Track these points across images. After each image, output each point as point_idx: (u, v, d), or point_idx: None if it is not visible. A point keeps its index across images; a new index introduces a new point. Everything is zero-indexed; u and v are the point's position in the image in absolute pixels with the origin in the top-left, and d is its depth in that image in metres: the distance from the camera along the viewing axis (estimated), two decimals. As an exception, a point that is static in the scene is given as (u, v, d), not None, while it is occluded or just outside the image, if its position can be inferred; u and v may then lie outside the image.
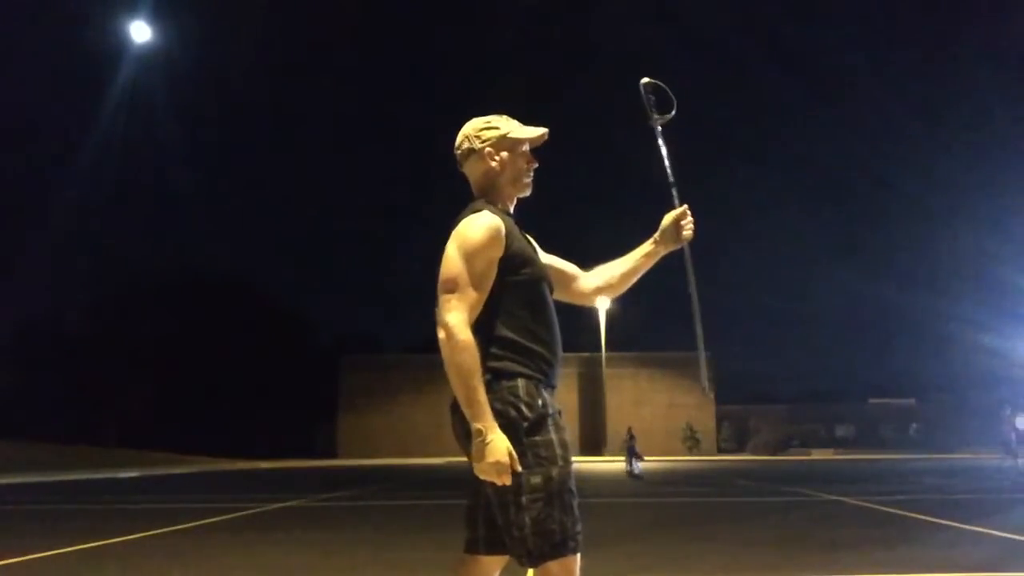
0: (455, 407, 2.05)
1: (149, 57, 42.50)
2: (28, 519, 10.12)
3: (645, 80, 2.49)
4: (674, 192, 2.44)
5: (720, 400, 51.99)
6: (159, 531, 7.83)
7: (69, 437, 37.33)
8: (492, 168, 2.23)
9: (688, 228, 2.39)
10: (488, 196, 2.23)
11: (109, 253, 74.07)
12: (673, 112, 2.50)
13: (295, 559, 6.02)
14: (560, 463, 1.99)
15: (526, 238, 2.25)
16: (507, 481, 1.93)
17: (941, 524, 7.84)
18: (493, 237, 2.06)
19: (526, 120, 2.31)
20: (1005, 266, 51.96)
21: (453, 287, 2.03)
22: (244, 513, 10.05)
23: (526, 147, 2.27)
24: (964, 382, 56.30)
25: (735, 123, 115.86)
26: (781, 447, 49.63)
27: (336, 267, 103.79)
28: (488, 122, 2.26)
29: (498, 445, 1.92)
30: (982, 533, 7.06)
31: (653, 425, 48.34)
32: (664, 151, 2.47)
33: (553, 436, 2.01)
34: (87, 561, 5.94)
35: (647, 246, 2.41)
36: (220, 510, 10.34)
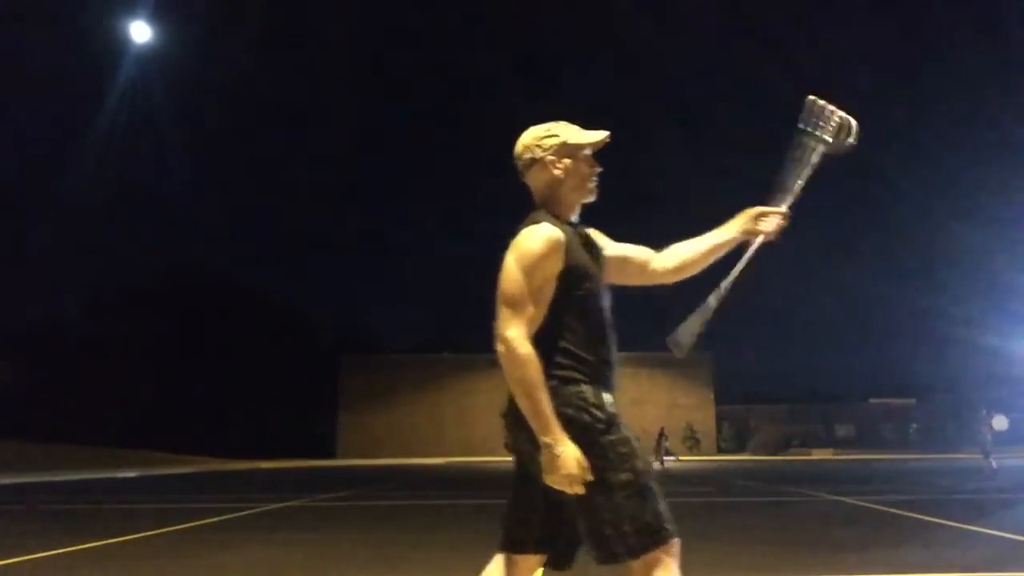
0: (512, 416, 2.07)
1: (149, 57, 42.48)
2: (28, 519, 10.12)
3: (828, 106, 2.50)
4: (790, 197, 2.41)
5: (720, 400, 52.02)
6: (159, 531, 7.83)
7: (68, 437, 37.31)
8: (555, 176, 2.22)
9: (769, 224, 2.36)
10: (550, 205, 2.22)
11: (109, 253, 74.13)
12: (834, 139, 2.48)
13: (295, 559, 6.01)
14: (640, 455, 2.05)
15: (589, 237, 2.26)
16: (579, 491, 1.96)
17: (941, 524, 7.84)
18: (552, 250, 2.06)
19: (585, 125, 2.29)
20: (1005, 266, 52.05)
21: (512, 301, 2.02)
22: (244, 513, 10.04)
23: (588, 152, 2.25)
24: (964, 382, 56.43)
25: (735, 123, 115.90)
26: (781, 447, 49.66)
27: (336, 267, 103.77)
28: (548, 130, 2.25)
29: (569, 457, 1.95)
30: (981, 533, 7.06)
31: (653, 425, 48.31)
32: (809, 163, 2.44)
33: (626, 433, 2.06)
34: (87, 561, 5.94)
35: (725, 230, 2.38)
36: (220, 510, 10.34)
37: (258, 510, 10.45)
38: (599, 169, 2.27)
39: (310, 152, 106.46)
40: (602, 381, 2.10)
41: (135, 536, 7.31)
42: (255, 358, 54.72)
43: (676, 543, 2.03)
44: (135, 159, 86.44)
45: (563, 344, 2.07)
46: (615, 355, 2.18)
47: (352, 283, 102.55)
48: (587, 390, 2.05)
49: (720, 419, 52.66)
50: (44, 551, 6.22)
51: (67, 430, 39.98)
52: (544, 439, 1.95)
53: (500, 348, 2.00)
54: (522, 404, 1.98)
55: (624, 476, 1.99)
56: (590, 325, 2.12)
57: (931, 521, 8.18)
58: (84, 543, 6.80)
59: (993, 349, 48.89)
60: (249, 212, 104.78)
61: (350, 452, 48.14)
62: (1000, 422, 18.57)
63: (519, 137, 2.28)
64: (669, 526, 2.01)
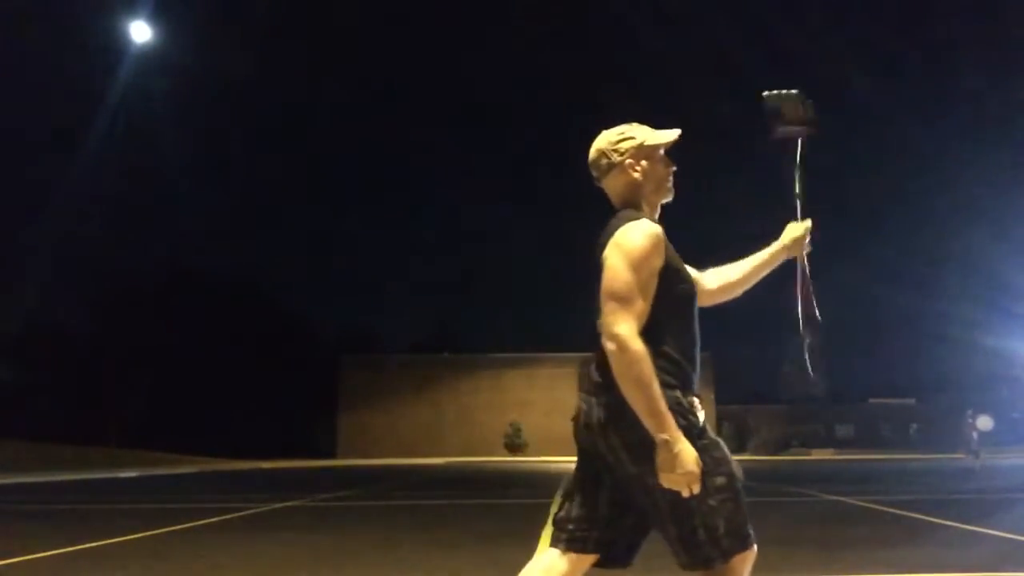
0: (604, 416, 2.04)
1: (149, 57, 42.44)
2: (28, 519, 10.12)
3: (795, 92, 2.50)
4: (798, 204, 2.49)
5: (720, 400, 52.00)
6: (159, 531, 7.83)
7: (68, 437, 37.31)
8: (635, 179, 2.22)
9: (805, 239, 2.47)
10: (632, 208, 2.21)
11: (109, 253, 74.14)
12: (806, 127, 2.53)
13: (294, 559, 6.01)
14: (732, 460, 2.05)
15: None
16: (697, 490, 1.94)
17: (941, 524, 7.83)
18: (656, 245, 2.06)
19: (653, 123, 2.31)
20: (1005, 266, 51.99)
21: (621, 296, 2.00)
22: (244, 513, 10.04)
23: (662, 152, 2.26)
24: (964, 382, 56.42)
25: (735, 123, 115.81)
26: (781, 447, 49.67)
27: (336, 267, 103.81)
28: (622, 133, 2.25)
29: (688, 455, 1.93)
30: (981, 533, 7.06)
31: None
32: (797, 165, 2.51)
33: (716, 437, 2.06)
34: (87, 561, 5.94)
35: (770, 251, 2.44)
36: (220, 510, 10.33)
37: (258, 510, 10.44)
38: (675, 168, 2.28)
39: (310, 152, 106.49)
40: (690, 385, 2.10)
41: (135, 536, 7.31)
42: (255, 358, 54.73)
43: (755, 548, 2.05)
44: (135, 159, 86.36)
45: (661, 345, 2.05)
46: (698, 359, 2.18)
47: (352, 283, 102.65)
48: (680, 394, 2.04)
49: (720, 419, 52.62)
50: (44, 551, 6.21)
51: (67, 430, 39.99)
52: (662, 436, 1.91)
53: (611, 346, 1.97)
54: (636, 402, 1.94)
55: (720, 480, 1.99)
56: (685, 326, 2.13)
57: (931, 521, 8.18)
58: (84, 543, 6.80)
59: (993, 349, 48.91)
60: (249, 212, 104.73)
61: (350, 452, 48.13)
62: (984, 422, 18.83)
63: (593, 141, 2.30)
64: (752, 531, 2.03)
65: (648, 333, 2.02)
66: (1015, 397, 51.26)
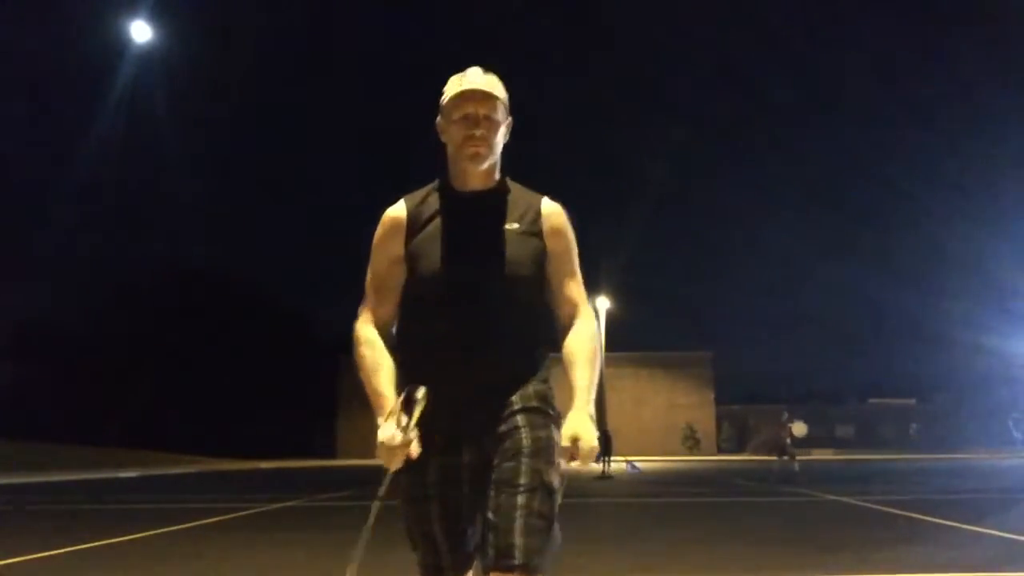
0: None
1: (149, 57, 42.46)
2: (28, 519, 10.12)
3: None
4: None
5: (720, 400, 52.02)
6: (159, 531, 7.83)
7: (69, 437, 37.32)
8: (443, 142, 1.98)
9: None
10: (448, 174, 1.96)
11: (109, 253, 74.17)
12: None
13: (295, 559, 6.02)
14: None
15: None
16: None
17: (941, 524, 7.84)
18: (388, 229, 1.94)
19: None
20: (1005, 266, 52.03)
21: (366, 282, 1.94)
22: (244, 513, 10.04)
23: (457, 112, 1.90)
24: (964, 382, 56.41)
25: (735, 123, 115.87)
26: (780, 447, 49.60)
27: (336, 267, 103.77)
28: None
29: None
30: (982, 533, 7.06)
31: (653, 425, 48.35)
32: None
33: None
34: (87, 561, 5.94)
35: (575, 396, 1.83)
36: (220, 510, 10.33)
37: (258, 510, 10.45)
38: (475, 132, 1.87)
39: (310, 152, 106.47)
40: (424, 376, 1.91)
41: (135, 536, 7.31)
42: (255, 358, 54.72)
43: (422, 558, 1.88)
44: (135, 159, 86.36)
45: (402, 333, 1.97)
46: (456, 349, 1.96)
47: (352, 283, 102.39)
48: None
49: (720, 419, 52.64)
50: (44, 551, 6.21)
51: (67, 430, 39.99)
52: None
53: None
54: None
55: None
56: (427, 315, 1.97)
57: (931, 521, 8.19)
58: (84, 543, 6.80)
59: (993, 349, 48.91)
60: (249, 212, 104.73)
61: (350, 452, 48.11)
62: (800, 428, 19.39)
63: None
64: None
65: (394, 322, 1.92)
66: (1015, 397, 51.27)
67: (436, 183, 1.96)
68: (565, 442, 1.74)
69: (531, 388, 1.84)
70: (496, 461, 1.75)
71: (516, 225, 1.88)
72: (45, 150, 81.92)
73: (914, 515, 8.79)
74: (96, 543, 6.87)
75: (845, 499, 11.25)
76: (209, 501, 12.53)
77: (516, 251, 1.85)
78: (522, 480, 1.71)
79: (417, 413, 1.72)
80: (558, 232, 1.92)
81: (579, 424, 1.74)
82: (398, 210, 1.91)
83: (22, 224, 65.97)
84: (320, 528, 8.52)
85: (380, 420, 1.76)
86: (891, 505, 10.02)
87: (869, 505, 10.25)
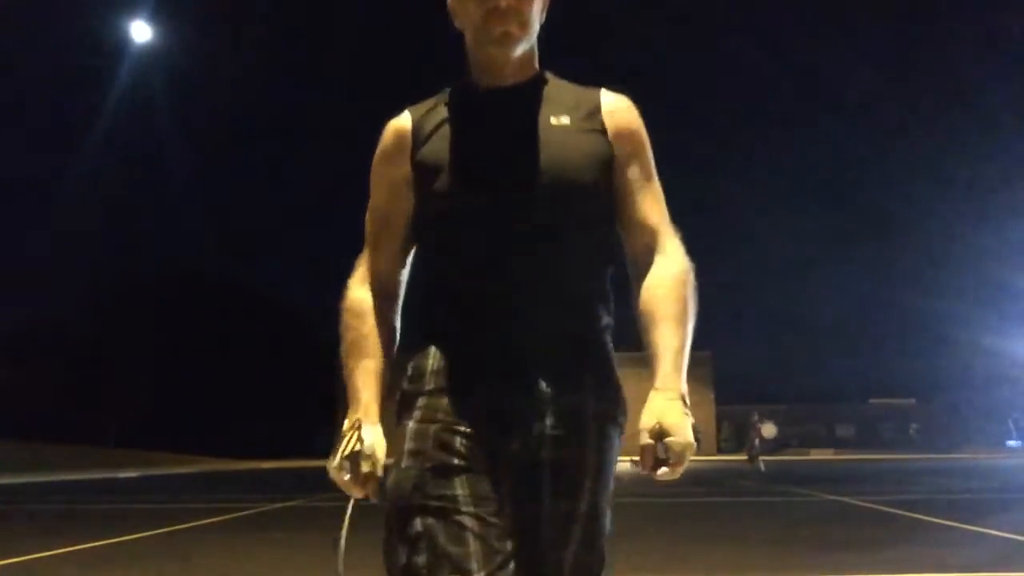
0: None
1: (149, 57, 42.49)
2: (28, 519, 10.12)
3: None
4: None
5: (720, 400, 52.01)
6: (159, 531, 7.83)
7: (69, 437, 37.33)
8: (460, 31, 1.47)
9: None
10: (466, 75, 1.47)
11: (109, 253, 74.19)
12: None
13: (294, 559, 6.01)
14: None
15: None
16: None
17: (941, 524, 7.84)
18: (388, 144, 1.49)
19: None
20: (1005, 266, 52.03)
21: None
22: (244, 513, 10.04)
23: None
24: (964, 382, 56.44)
25: (735, 124, 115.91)
26: (781, 447, 49.66)
27: (337, 267, 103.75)
28: None
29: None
30: (982, 533, 7.06)
31: (653, 425, 48.17)
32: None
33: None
34: (87, 561, 5.94)
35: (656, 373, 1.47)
36: (220, 510, 10.33)
37: (258, 510, 10.44)
38: (496, 3, 1.32)
39: (310, 151, 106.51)
40: (448, 337, 1.46)
41: (135, 536, 7.31)
42: (255, 358, 54.73)
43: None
44: (135, 159, 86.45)
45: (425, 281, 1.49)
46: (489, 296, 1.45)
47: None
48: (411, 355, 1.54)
49: (720, 419, 52.62)
50: (43, 551, 6.21)
51: (67, 430, 39.99)
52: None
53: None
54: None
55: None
56: (447, 254, 1.47)
57: (931, 521, 8.18)
58: (83, 543, 6.79)
59: (993, 349, 48.94)
60: (249, 212, 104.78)
61: (350, 452, 48.17)
62: (769, 429, 19.71)
63: None
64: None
65: (399, 271, 1.47)
66: (1015, 397, 51.30)
67: (451, 88, 1.47)
68: (647, 439, 1.30)
69: (599, 367, 1.44)
70: (544, 500, 1.28)
71: (566, 120, 1.35)
72: (45, 150, 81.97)
73: (914, 515, 8.79)
74: (96, 543, 6.87)
75: (845, 499, 11.24)
76: (209, 501, 12.52)
77: (568, 153, 1.32)
78: (571, 551, 1.29)
79: (344, 447, 1.41)
80: (628, 131, 1.38)
81: (668, 413, 1.32)
82: (401, 120, 1.45)
83: (23, 224, 66.02)
84: (320, 529, 8.51)
85: (345, 426, 1.44)
86: (891, 505, 10.01)
87: (869, 505, 10.25)
